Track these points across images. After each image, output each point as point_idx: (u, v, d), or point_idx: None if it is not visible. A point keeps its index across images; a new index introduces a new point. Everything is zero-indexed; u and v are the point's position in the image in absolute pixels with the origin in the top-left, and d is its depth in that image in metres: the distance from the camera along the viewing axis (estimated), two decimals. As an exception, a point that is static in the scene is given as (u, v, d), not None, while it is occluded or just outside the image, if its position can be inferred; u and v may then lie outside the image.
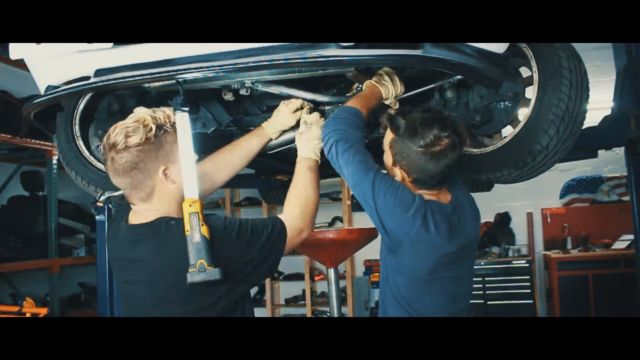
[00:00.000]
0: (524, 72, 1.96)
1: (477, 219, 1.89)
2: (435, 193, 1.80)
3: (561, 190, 6.83)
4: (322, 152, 1.90)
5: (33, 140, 5.04)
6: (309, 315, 6.79)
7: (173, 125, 1.61)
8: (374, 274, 6.98)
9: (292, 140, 2.15)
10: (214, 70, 1.64)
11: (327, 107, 2.08)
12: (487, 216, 6.92)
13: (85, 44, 1.67)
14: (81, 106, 2.32)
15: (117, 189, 2.27)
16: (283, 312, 7.23)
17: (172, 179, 1.59)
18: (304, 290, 6.92)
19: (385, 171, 1.83)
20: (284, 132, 2.07)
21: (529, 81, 1.93)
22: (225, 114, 2.20)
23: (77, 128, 2.33)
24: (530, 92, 1.90)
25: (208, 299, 1.53)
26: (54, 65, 1.84)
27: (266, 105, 2.25)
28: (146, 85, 1.87)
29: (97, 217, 4.34)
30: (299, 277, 6.99)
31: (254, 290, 7.31)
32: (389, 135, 1.81)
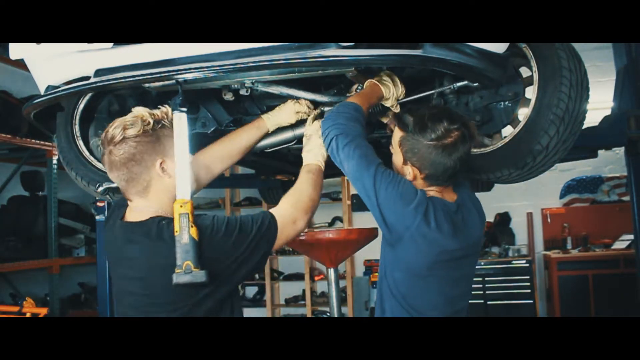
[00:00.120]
0: (524, 72, 1.96)
1: (482, 222, 1.89)
2: (441, 190, 1.80)
3: (561, 190, 6.83)
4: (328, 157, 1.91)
5: (33, 140, 5.04)
6: (309, 315, 6.79)
7: (171, 121, 1.64)
8: (374, 274, 6.97)
9: (291, 140, 2.15)
10: (214, 70, 1.64)
11: (326, 109, 2.08)
12: (487, 216, 6.88)
13: (85, 44, 1.67)
14: (81, 106, 2.32)
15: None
16: (283, 312, 7.23)
17: (168, 173, 1.61)
18: (304, 290, 6.92)
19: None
20: (280, 128, 2.09)
21: (529, 81, 1.93)
22: (225, 114, 2.20)
23: (77, 128, 2.33)
24: (530, 92, 1.90)
25: (194, 299, 1.53)
26: (54, 65, 1.84)
27: (266, 105, 2.25)
28: (146, 85, 1.87)
29: (97, 217, 4.35)
30: (299, 277, 6.99)
31: (253, 290, 7.32)
32: (397, 135, 1.80)
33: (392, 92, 1.94)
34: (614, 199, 6.61)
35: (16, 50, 1.76)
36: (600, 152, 3.78)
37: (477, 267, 7.14)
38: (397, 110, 1.98)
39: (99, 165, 2.36)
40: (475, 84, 1.91)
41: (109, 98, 2.30)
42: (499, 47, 1.72)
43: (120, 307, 1.68)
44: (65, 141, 2.34)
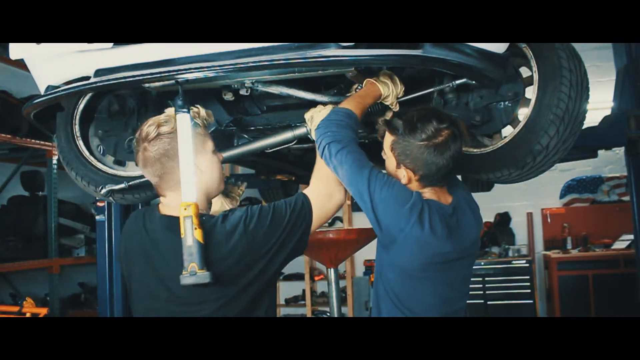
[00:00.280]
0: (524, 72, 1.96)
1: (477, 224, 1.88)
2: (437, 191, 1.80)
3: (561, 190, 6.83)
4: None
5: (33, 140, 5.04)
6: (309, 315, 6.79)
7: (203, 120, 1.71)
8: (374, 274, 6.97)
9: (291, 140, 2.15)
10: (214, 70, 1.64)
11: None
12: (487, 216, 6.93)
13: (85, 44, 1.68)
14: (81, 106, 2.33)
15: (118, 183, 2.29)
16: (283, 312, 7.24)
17: (200, 169, 1.66)
18: (304, 290, 6.92)
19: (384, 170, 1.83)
20: (281, 128, 2.13)
21: (529, 81, 1.93)
22: (225, 114, 2.20)
23: (77, 128, 2.34)
24: (530, 92, 1.90)
25: (237, 287, 1.57)
26: (54, 65, 1.84)
27: (266, 105, 2.25)
28: (146, 85, 1.87)
29: (97, 217, 4.35)
30: (299, 277, 6.99)
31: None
32: (388, 139, 1.81)
33: (391, 90, 1.94)
34: (614, 199, 6.62)
35: (16, 50, 1.76)
36: (600, 152, 3.78)
37: (477, 267, 7.18)
38: (396, 108, 1.99)
39: (99, 165, 2.37)
40: (475, 82, 1.91)
41: (109, 98, 2.30)
42: (499, 47, 1.72)
43: (141, 307, 1.70)
44: (65, 141, 2.35)
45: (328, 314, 6.34)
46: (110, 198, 2.36)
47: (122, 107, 2.29)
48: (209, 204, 1.76)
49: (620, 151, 5.06)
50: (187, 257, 1.48)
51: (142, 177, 2.32)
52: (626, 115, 3.32)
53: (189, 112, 1.62)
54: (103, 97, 2.31)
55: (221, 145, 2.18)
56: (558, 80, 1.82)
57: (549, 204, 6.84)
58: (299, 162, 3.12)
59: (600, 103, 3.75)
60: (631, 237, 5.03)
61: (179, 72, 1.67)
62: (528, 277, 6.32)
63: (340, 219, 6.99)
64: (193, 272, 1.47)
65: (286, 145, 2.19)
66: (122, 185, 2.30)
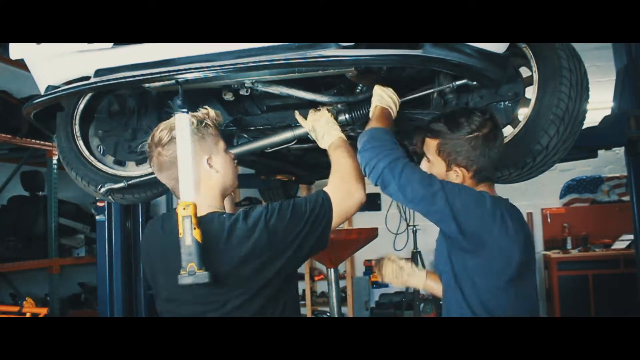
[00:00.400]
0: (524, 72, 1.96)
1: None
2: (490, 188, 1.77)
3: (561, 190, 6.83)
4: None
5: (33, 140, 5.04)
6: (309, 315, 6.79)
7: (214, 120, 1.72)
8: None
9: (291, 140, 2.15)
10: (214, 70, 1.64)
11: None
12: (487, 216, 6.92)
13: (85, 44, 1.68)
14: (81, 106, 2.33)
15: (117, 180, 2.29)
16: (283, 312, 7.23)
17: (215, 169, 1.69)
18: (304, 290, 6.92)
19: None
20: (281, 128, 2.15)
21: (529, 81, 1.93)
22: (225, 114, 2.20)
23: (77, 128, 2.34)
24: (530, 92, 1.90)
25: (258, 284, 1.59)
26: (54, 65, 1.84)
27: (266, 105, 2.25)
28: (146, 85, 1.87)
29: (97, 217, 4.35)
30: (299, 277, 6.98)
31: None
32: (431, 145, 1.78)
33: (396, 105, 1.93)
34: (614, 199, 6.61)
35: (16, 50, 1.76)
36: (600, 152, 3.78)
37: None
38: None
39: (99, 165, 2.37)
40: (475, 82, 1.91)
41: (109, 98, 2.30)
42: (499, 47, 1.72)
43: (169, 308, 1.71)
44: (65, 141, 2.35)
45: (328, 314, 6.34)
46: (110, 197, 2.36)
47: (122, 107, 2.29)
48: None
49: (620, 151, 5.06)
50: (186, 256, 1.48)
51: (141, 176, 2.32)
52: (626, 115, 3.32)
53: (188, 112, 1.62)
54: (103, 97, 2.31)
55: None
56: (558, 80, 1.82)
57: (549, 204, 6.83)
58: (299, 162, 3.12)
59: (600, 103, 3.75)
60: (631, 237, 5.02)
61: (179, 72, 1.67)
62: (528, 277, 6.31)
63: (340, 219, 6.98)
64: (192, 272, 1.47)
65: (286, 145, 2.19)
66: (121, 184, 2.30)
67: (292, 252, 1.61)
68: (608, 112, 3.65)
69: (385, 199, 7.09)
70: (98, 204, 4.28)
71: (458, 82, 1.90)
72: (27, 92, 4.80)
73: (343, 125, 2.07)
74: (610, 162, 6.54)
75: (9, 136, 4.80)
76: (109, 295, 4.24)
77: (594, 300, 5.98)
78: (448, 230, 1.68)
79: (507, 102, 1.98)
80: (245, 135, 2.38)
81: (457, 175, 1.74)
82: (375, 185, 1.76)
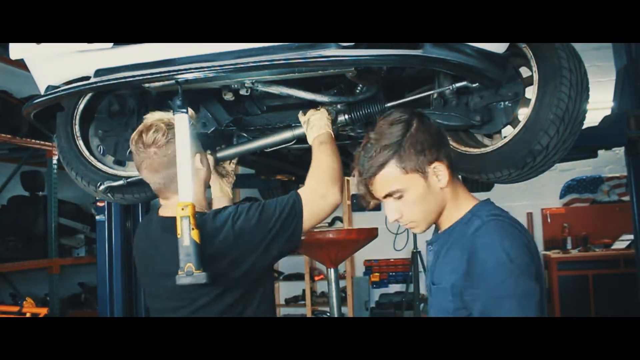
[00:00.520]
0: (524, 72, 1.96)
1: None
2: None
3: (561, 190, 6.83)
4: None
5: (33, 140, 5.03)
6: (309, 315, 6.79)
7: (193, 120, 1.76)
8: (374, 274, 6.98)
9: (291, 140, 2.15)
10: (214, 70, 1.64)
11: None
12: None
13: (85, 44, 1.68)
14: (81, 106, 2.33)
15: (116, 179, 2.30)
16: (283, 312, 7.23)
17: (204, 166, 1.78)
18: (304, 290, 6.92)
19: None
20: (281, 128, 2.18)
21: (529, 81, 1.93)
22: (225, 114, 2.20)
23: (77, 128, 2.34)
24: (530, 92, 1.90)
25: (226, 284, 1.62)
26: (54, 65, 1.84)
27: (266, 105, 2.25)
28: (146, 85, 1.87)
29: (97, 217, 4.34)
30: (299, 277, 6.99)
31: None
32: (388, 177, 1.46)
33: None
34: (614, 199, 6.61)
35: (16, 50, 1.76)
36: (600, 152, 3.78)
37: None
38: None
39: (99, 165, 2.37)
40: (474, 84, 1.91)
41: (109, 98, 2.30)
42: (499, 47, 1.72)
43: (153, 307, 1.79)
44: (65, 141, 2.35)
45: (328, 314, 6.34)
46: (110, 196, 2.36)
47: (122, 107, 2.29)
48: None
49: (620, 151, 5.06)
50: (184, 257, 1.48)
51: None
52: (626, 115, 3.32)
53: (187, 112, 1.62)
54: (103, 97, 2.31)
55: (220, 145, 2.19)
56: (558, 80, 1.82)
57: (549, 204, 6.84)
58: (299, 162, 3.12)
59: (600, 103, 3.75)
60: (631, 237, 5.02)
61: (179, 72, 1.67)
62: (528, 277, 6.31)
63: (340, 219, 6.98)
64: (190, 273, 1.47)
65: (286, 145, 2.19)
66: (120, 182, 2.30)
67: (260, 252, 1.63)
68: (608, 112, 3.65)
69: (385, 199, 7.09)
70: (98, 204, 4.28)
71: (457, 84, 1.90)
72: (27, 92, 4.79)
73: (343, 126, 2.07)
74: (610, 162, 6.54)
75: (9, 136, 4.80)
76: (109, 295, 4.23)
77: (594, 300, 5.98)
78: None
79: (507, 102, 1.98)
80: (245, 135, 2.38)
81: (440, 173, 1.47)
82: None
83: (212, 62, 1.64)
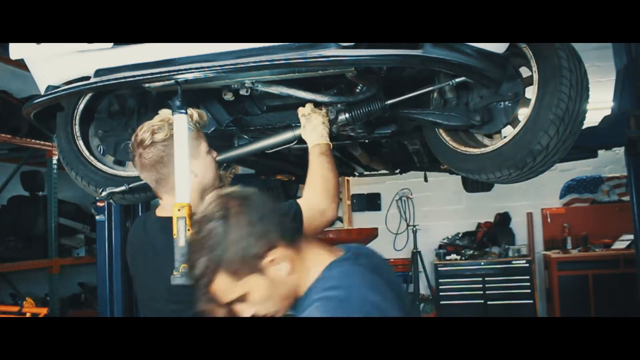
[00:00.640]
0: (524, 72, 1.96)
1: None
2: None
3: (561, 190, 6.83)
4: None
5: (33, 140, 5.04)
6: (309, 315, 6.78)
7: (195, 124, 1.73)
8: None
9: (292, 140, 2.15)
10: (214, 70, 1.64)
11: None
12: (487, 216, 6.93)
13: (85, 44, 1.68)
14: (81, 106, 2.33)
15: (118, 185, 2.30)
16: (283, 312, 7.22)
17: (194, 173, 1.69)
18: (304, 290, 6.91)
19: None
20: (281, 128, 2.16)
21: (529, 81, 1.93)
22: (225, 114, 2.20)
23: (77, 128, 2.34)
24: (530, 92, 1.90)
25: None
26: (54, 65, 1.84)
27: (266, 105, 2.25)
28: (146, 85, 1.87)
29: (97, 217, 4.34)
30: (299, 277, 6.98)
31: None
32: (226, 283, 1.30)
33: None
34: (614, 199, 6.62)
35: (16, 50, 1.77)
36: (600, 152, 3.78)
37: (477, 267, 7.22)
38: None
39: (99, 165, 2.37)
40: (474, 82, 1.91)
41: (109, 98, 2.30)
42: (499, 47, 1.72)
43: (146, 309, 1.77)
44: (65, 141, 2.35)
45: (328, 314, 6.32)
46: (111, 199, 2.37)
47: (122, 107, 2.29)
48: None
49: (620, 151, 5.05)
50: (179, 257, 1.49)
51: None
52: (626, 115, 3.32)
53: (186, 113, 1.63)
54: (103, 97, 2.31)
55: (220, 145, 2.18)
56: (558, 80, 1.82)
57: (549, 204, 6.84)
58: (299, 162, 3.12)
59: (600, 103, 3.74)
60: (631, 237, 5.02)
61: (179, 72, 1.67)
62: (528, 277, 6.32)
63: (341, 219, 6.98)
64: (184, 273, 1.47)
65: (287, 146, 2.19)
66: (122, 188, 2.30)
67: None
68: (608, 112, 3.65)
69: (385, 199, 7.10)
70: (98, 204, 4.28)
71: (457, 80, 1.90)
72: (27, 92, 4.79)
73: (343, 125, 2.07)
74: (610, 162, 6.55)
75: (9, 136, 4.80)
76: (109, 295, 4.23)
77: (594, 300, 5.99)
78: None
79: (507, 102, 1.98)
80: (245, 136, 2.38)
81: (280, 263, 1.33)
82: None
83: (212, 62, 1.64)
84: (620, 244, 6.12)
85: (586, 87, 1.88)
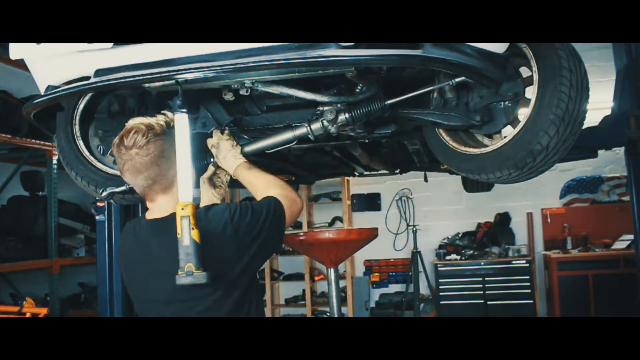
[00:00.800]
0: (524, 72, 1.96)
1: None
2: None
3: (561, 190, 6.83)
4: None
5: (33, 140, 5.04)
6: (309, 315, 6.79)
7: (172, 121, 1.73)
8: (374, 274, 6.98)
9: (291, 140, 2.15)
10: (214, 70, 1.64)
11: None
12: (487, 216, 6.93)
13: (85, 44, 1.68)
14: (81, 106, 2.32)
15: (118, 185, 2.30)
16: (283, 312, 7.23)
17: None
18: (304, 290, 6.92)
19: None
20: (281, 128, 2.18)
21: (529, 81, 1.93)
22: (225, 114, 2.19)
23: (77, 128, 2.34)
24: (530, 92, 1.90)
25: (221, 290, 1.61)
26: (54, 65, 1.84)
27: (266, 105, 2.25)
28: (146, 85, 1.87)
29: (97, 217, 4.35)
30: (299, 277, 6.99)
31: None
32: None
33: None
34: (614, 199, 6.62)
35: (16, 50, 1.76)
36: (600, 152, 3.78)
37: (477, 267, 7.24)
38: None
39: (99, 165, 2.36)
40: (474, 82, 1.91)
41: (109, 98, 2.30)
42: (499, 47, 1.72)
43: (142, 309, 1.78)
44: (65, 141, 2.34)
45: (328, 314, 6.34)
46: (111, 200, 2.37)
47: (122, 107, 2.29)
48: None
49: (620, 151, 5.06)
50: (184, 257, 1.48)
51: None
52: (626, 115, 3.32)
53: (187, 112, 1.63)
54: (103, 97, 2.31)
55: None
56: (558, 80, 1.82)
57: (549, 204, 6.84)
58: (299, 162, 3.12)
59: (600, 103, 3.74)
60: (631, 237, 5.03)
61: (179, 72, 1.67)
62: (528, 277, 6.32)
63: (340, 219, 6.99)
64: (190, 273, 1.47)
65: (287, 146, 2.19)
66: (122, 188, 2.30)
67: (257, 248, 1.65)
68: (608, 112, 3.65)
69: (385, 199, 7.11)
70: (98, 204, 4.28)
71: (457, 79, 1.90)
72: (27, 92, 4.80)
73: (343, 125, 2.07)
74: (610, 162, 6.55)
75: (9, 136, 4.80)
76: (109, 295, 4.24)
77: (594, 300, 5.99)
78: None
79: (507, 102, 1.98)
80: (245, 136, 2.38)
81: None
82: None
83: (212, 62, 1.64)
84: (620, 244, 6.12)
85: (586, 87, 1.88)
